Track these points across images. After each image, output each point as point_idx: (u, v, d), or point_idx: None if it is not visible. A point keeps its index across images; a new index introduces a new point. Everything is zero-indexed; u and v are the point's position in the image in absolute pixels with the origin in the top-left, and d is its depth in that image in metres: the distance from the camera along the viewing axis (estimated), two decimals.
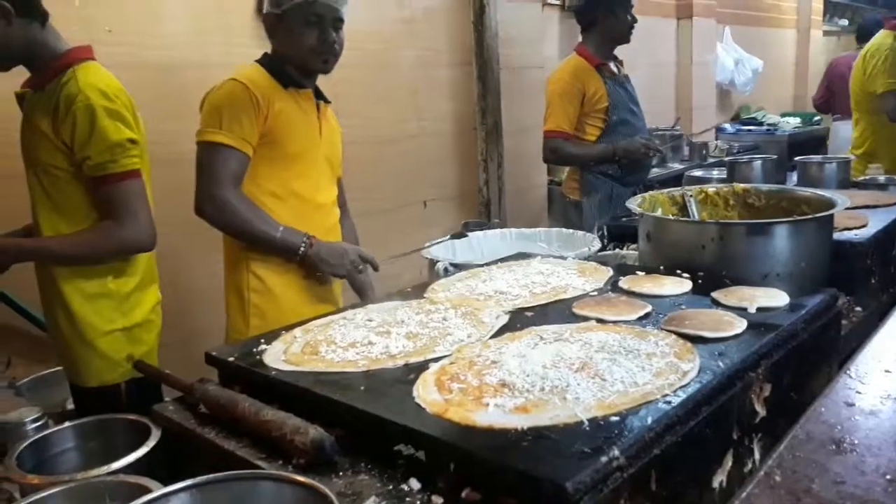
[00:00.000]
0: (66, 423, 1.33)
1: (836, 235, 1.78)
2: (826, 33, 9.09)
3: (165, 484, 0.96)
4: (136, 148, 1.81)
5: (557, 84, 3.36)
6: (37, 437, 1.28)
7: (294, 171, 2.03)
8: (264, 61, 2.05)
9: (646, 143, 3.29)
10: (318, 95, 2.13)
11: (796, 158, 3.32)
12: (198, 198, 1.95)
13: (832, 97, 6.09)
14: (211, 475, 0.94)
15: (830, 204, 1.70)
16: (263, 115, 1.93)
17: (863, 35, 5.96)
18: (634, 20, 3.40)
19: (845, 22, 9.19)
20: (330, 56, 2.02)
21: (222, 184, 1.90)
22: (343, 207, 2.31)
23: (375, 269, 2.08)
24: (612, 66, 3.41)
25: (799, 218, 1.71)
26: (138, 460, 1.16)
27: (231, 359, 1.31)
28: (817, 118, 6.89)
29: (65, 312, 1.86)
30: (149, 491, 0.96)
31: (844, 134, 5.69)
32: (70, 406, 2.03)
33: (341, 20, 2.01)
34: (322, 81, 2.15)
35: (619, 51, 3.49)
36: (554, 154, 3.40)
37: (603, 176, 3.35)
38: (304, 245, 1.95)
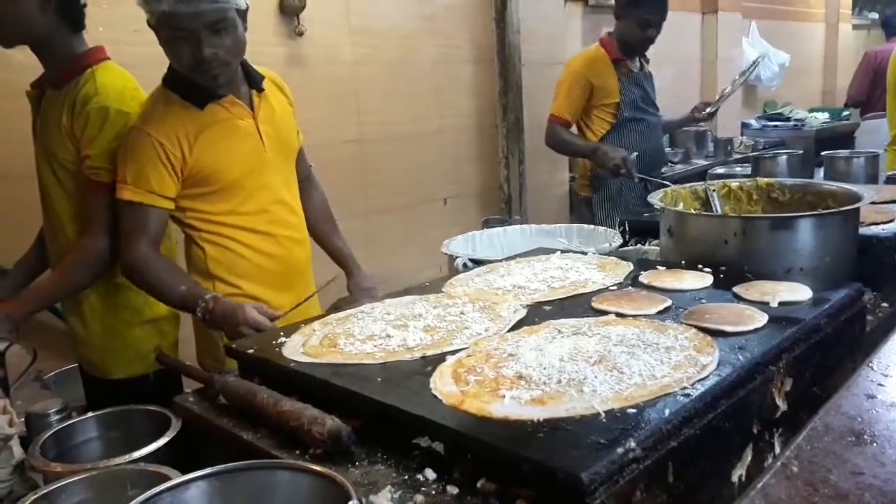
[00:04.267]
0: (89, 414, 1.35)
1: (863, 230, 1.75)
2: (855, 27, 8.95)
3: (185, 473, 0.97)
4: None
5: (568, 72, 3.37)
6: (60, 427, 1.31)
7: (239, 197, 1.82)
8: (170, 79, 1.78)
9: (620, 164, 3.12)
10: (251, 83, 1.85)
11: (823, 153, 3.26)
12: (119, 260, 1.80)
13: (873, 92, 5.56)
14: (229, 464, 0.96)
15: (856, 197, 1.67)
16: (179, 160, 1.72)
17: (891, 28, 5.76)
18: (652, 33, 3.30)
19: (875, 15, 9.01)
20: (215, 70, 1.70)
21: (137, 246, 1.72)
22: (307, 179, 2.11)
23: (261, 331, 1.60)
24: (633, 62, 3.38)
25: (823, 212, 1.68)
26: (159, 450, 1.17)
27: (250, 351, 1.32)
28: (846, 113, 6.74)
29: (92, 307, 1.91)
30: (168, 479, 0.97)
31: (877, 131, 5.46)
32: None
33: (221, 22, 1.65)
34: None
35: None
36: (551, 140, 3.41)
37: None
38: (202, 305, 1.67)
